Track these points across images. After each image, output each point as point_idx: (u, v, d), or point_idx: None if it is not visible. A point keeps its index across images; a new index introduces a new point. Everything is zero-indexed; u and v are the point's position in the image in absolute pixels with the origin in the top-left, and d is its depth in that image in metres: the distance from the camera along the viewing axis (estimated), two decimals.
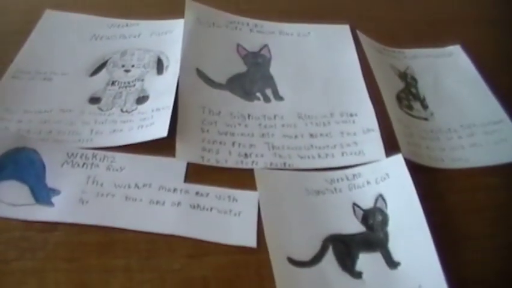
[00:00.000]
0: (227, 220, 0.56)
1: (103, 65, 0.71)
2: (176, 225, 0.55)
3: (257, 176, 0.59)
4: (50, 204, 0.56)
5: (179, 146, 0.61)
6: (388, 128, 0.64)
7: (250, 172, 0.60)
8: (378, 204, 0.58)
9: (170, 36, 0.75)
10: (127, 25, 0.78)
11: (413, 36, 0.80)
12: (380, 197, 0.58)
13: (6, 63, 0.70)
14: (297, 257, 0.53)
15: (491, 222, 0.58)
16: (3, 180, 0.58)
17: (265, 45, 0.75)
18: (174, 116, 0.63)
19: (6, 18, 0.80)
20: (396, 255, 0.54)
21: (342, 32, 0.79)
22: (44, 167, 0.59)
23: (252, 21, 0.79)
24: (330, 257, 0.54)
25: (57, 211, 0.56)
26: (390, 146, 0.62)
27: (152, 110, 0.65)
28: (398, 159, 0.60)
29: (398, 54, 0.78)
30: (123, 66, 0.71)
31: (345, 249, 0.54)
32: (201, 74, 0.69)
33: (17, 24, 0.78)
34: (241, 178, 0.59)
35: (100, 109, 0.66)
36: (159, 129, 0.61)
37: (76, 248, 0.53)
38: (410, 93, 0.71)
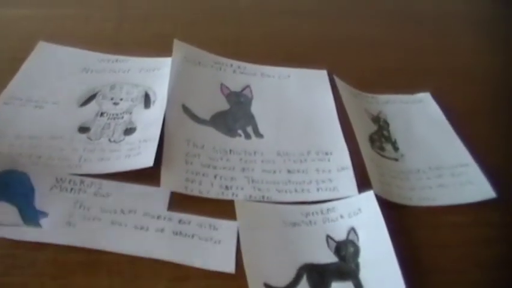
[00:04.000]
0: (208, 247, 0.58)
1: (92, 96, 0.74)
2: (159, 250, 0.57)
3: (237, 207, 0.62)
4: (38, 225, 0.58)
5: (164, 175, 0.64)
6: (361, 166, 0.68)
7: (230, 203, 0.63)
8: (351, 237, 0.61)
9: (158, 73, 0.79)
10: (116, 60, 0.81)
11: (386, 83, 0.84)
12: (352, 230, 0.61)
13: None
14: (273, 283, 0.56)
15: (456, 258, 0.61)
16: None
17: (248, 86, 0.79)
18: (160, 147, 0.66)
19: (1, 46, 0.83)
20: (366, 285, 0.56)
21: (320, 76, 0.83)
22: (33, 189, 0.61)
23: (236, 63, 0.83)
24: (304, 284, 0.56)
25: (45, 232, 0.57)
26: (363, 183, 0.66)
27: (140, 141, 0.67)
28: (370, 196, 0.63)
29: (371, 99, 0.82)
30: (112, 99, 0.74)
31: (318, 278, 0.57)
32: (186, 109, 0.72)
33: (11, 53, 0.81)
34: (222, 208, 0.62)
35: (89, 138, 0.68)
36: (146, 159, 0.64)
37: (62, 267, 0.55)
38: (382, 136, 0.75)
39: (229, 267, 0.57)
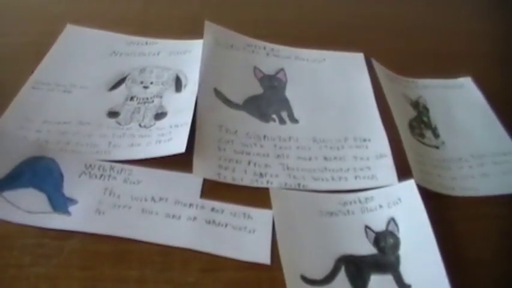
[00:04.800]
0: (242, 236, 0.56)
1: (122, 80, 0.73)
2: (191, 239, 0.56)
3: (272, 195, 0.60)
4: (67, 213, 0.57)
5: (196, 162, 0.62)
6: (401, 154, 0.65)
7: (265, 191, 0.61)
8: (390, 228, 0.58)
9: (188, 56, 0.76)
10: (146, 43, 0.80)
11: (425, 67, 0.81)
12: (392, 220, 0.59)
13: (26, 74, 0.72)
14: (310, 275, 0.54)
15: (499, 250, 0.59)
16: (21, 188, 0.59)
17: (282, 69, 0.77)
18: (191, 133, 0.64)
19: (29, 30, 0.81)
20: (407, 278, 0.54)
21: (357, 59, 0.80)
22: (62, 176, 0.60)
23: (269, 45, 0.80)
24: (342, 276, 0.54)
25: (73, 220, 0.56)
26: (403, 172, 0.63)
27: (171, 126, 0.66)
28: (411, 185, 0.60)
29: (410, 83, 0.79)
30: (142, 82, 0.72)
31: (356, 270, 0.55)
32: (218, 94, 0.70)
33: (39, 36, 0.79)
34: (256, 196, 0.60)
35: (118, 123, 0.67)
36: (177, 145, 0.62)
37: (90, 257, 0.54)
38: (421, 122, 0.73)
39: (264, 258, 0.55)
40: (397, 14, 0.95)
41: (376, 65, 0.79)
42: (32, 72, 0.72)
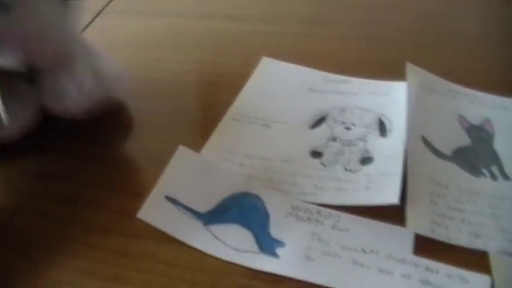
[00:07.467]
0: None
1: (322, 119, 0.71)
2: None
3: (492, 260, 0.55)
4: (275, 255, 0.55)
5: (410, 215, 0.58)
6: None
7: (480, 253, 0.56)
8: None
9: (388, 98, 0.73)
10: (343, 81, 0.77)
11: None
12: None
13: (225, 105, 0.72)
14: None
15: None
16: (227, 223, 0.58)
17: (488, 120, 0.72)
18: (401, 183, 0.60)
19: (226, 61, 0.82)
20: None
21: None
22: (268, 215, 0.59)
23: (471, 92, 0.75)
24: None
25: (282, 264, 0.54)
26: None
27: (379, 174, 0.63)
28: None
29: None
30: (343, 123, 0.70)
31: None
32: (426, 142, 0.66)
33: (234, 68, 0.80)
34: (470, 258, 0.56)
35: (323, 164, 0.65)
36: (389, 195, 0.58)
37: None
38: None
39: None
40: None
41: None
42: (230, 103, 0.73)
